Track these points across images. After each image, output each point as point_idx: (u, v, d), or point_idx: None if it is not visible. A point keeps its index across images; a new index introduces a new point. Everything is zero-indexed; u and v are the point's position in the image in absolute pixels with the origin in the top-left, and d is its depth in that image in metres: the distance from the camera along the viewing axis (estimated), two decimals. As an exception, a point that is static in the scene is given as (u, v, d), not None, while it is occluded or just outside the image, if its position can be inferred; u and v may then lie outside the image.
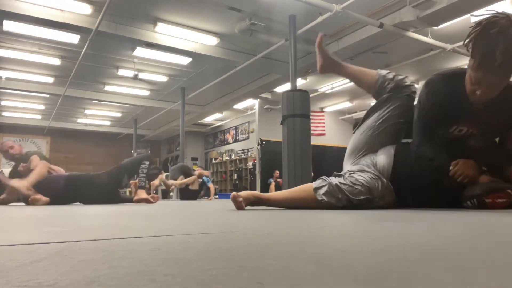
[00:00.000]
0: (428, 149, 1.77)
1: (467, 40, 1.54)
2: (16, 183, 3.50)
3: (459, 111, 1.69)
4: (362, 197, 1.75)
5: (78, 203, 3.83)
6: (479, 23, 1.50)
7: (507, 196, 1.59)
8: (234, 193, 1.83)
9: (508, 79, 1.55)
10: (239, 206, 1.79)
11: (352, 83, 2.28)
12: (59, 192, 3.56)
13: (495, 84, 1.55)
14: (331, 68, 2.15)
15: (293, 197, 1.89)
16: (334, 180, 1.82)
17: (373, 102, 2.06)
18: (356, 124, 2.10)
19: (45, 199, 3.40)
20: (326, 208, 1.78)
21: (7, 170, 5.83)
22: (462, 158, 1.68)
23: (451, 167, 1.66)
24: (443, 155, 1.73)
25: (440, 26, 5.66)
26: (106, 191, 3.77)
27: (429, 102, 1.75)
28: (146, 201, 3.81)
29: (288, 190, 2.03)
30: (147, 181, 4.05)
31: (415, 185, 1.82)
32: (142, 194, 3.90)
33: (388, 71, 2.04)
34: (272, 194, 1.97)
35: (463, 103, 1.66)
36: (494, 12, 1.48)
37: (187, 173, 6.94)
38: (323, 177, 1.88)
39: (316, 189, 1.81)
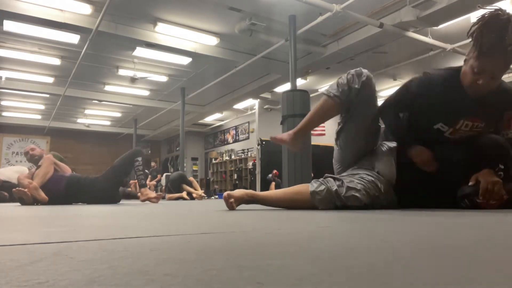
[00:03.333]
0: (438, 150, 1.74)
1: (473, 29, 1.56)
2: (24, 180, 3.45)
3: (461, 106, 1.69)
4: (358, 205, 1.71)
5: (79, 203, 3.84)
6: (483, 16, 1.54)
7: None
8: (226, 193, 1.81)
9: (508, 66, 1.57)
10: (230, 207, 1.78)
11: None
12: (60, 194, 3.56)
13: (500, 70, 1.57)
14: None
15: (289, 198, 1.85)
16: (332, 184, 1.76)
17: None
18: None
19: (44, 196, 3.35)
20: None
21: (5, 170, 5.83)
22: (477, 157, 1.67)
23: (470, 182, 1.63)
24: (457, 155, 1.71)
25: (440, 26, 5.66)
26: (106, 193, 3.77)
27: (426, 102, 1.74)
28: (154, 199, 3.79)
29: (283, 190, 1.97)
30: (146, 177, 3.99)
31: (418, 188, 1.81)
32: (148, 192, 3.84)
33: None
34: (268, 193, 1.93)
35: (463, 97, 1.67)
36: (497, 7, 1.54)
37: (186, 182, 7.07)
38: (320, 180, 1.81)
39: (314, 194, 1.75)
